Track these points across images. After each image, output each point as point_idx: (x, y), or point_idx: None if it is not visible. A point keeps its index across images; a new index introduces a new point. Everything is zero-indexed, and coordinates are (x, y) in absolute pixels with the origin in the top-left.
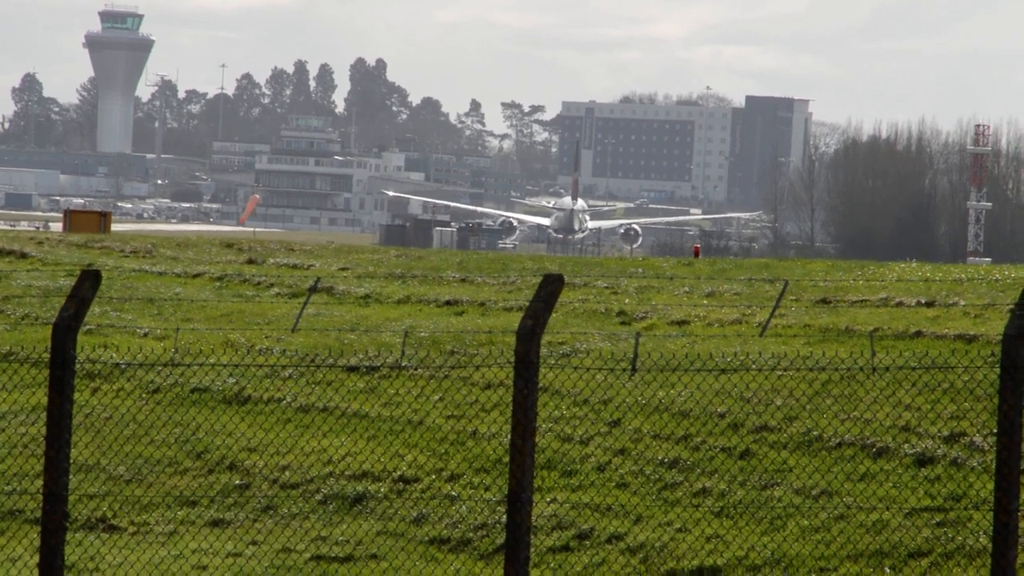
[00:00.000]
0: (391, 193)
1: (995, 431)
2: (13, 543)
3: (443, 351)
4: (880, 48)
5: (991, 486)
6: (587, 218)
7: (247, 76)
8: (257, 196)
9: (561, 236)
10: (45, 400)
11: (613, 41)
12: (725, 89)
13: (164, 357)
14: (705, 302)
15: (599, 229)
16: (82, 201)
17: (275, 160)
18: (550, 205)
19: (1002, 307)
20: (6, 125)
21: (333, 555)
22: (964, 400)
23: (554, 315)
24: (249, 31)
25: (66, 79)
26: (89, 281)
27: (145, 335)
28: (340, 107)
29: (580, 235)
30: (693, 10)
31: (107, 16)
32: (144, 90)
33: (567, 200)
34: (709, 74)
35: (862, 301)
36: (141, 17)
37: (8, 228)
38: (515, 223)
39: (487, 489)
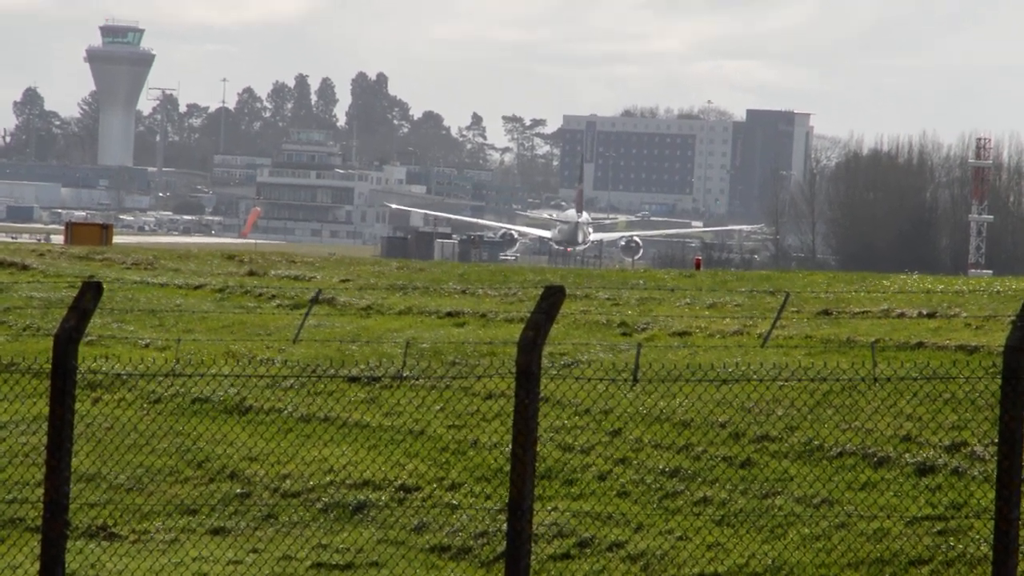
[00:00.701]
0: (394, 206)
1: (996, 441)
2: (14, 551)
3: (444, 362)
4: (880, 62)
5: (992, 495)
6: (591, 230)
7: (248, 90)
8: (258, 209)
9: (564, 248)
10: (47, 410)
11: (611, 56)
12: (725, 103)
13: (165, 368)
14: (706, 313)
15: (600, 241)
16: (83, 214)
17: (276, 173)
18: (554, 217)
19: (1003, 319)
20: (7, 139)
21: (334, 563)
22: (965, 410)
23: (555, 326)
24: (247, 46)
25: (67, 93)
26: (91, 292)
27: (146, 346)
28: (341, 121)
29: (582, 247)
30: (691, 24)
31: (108, 31)
32: (145, 104)
33: (571, 212)
34: (708, 88)
35: (863, 312)
36: (142, 32)
37: (10, 240)
38: (516, 235)
39: (488, 498)
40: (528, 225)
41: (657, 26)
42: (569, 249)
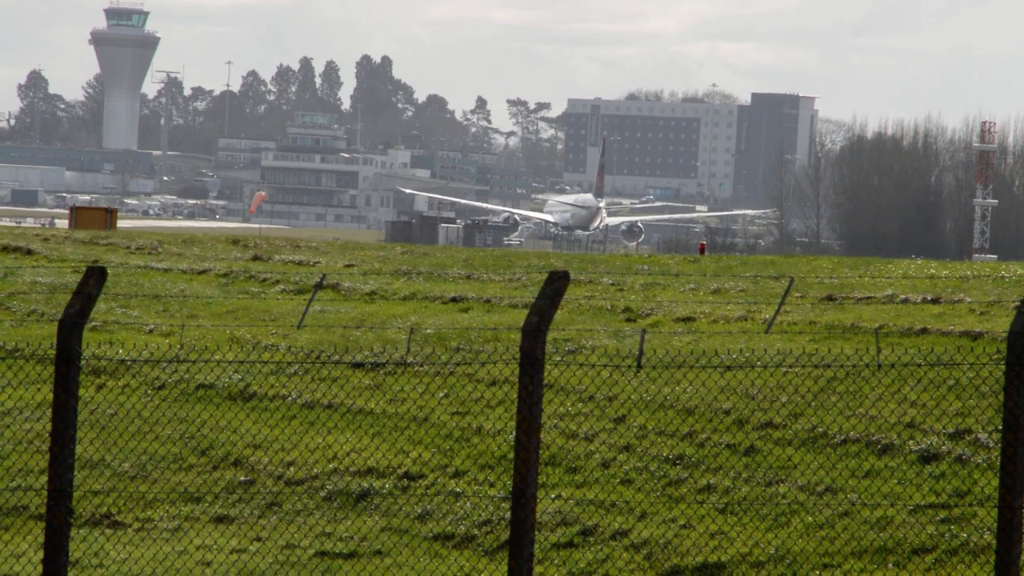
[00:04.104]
0: (407, 191)
1: (1000, 428)
2: (18, 539)
3: (448, 348)
4: (879, 43)
5: (996, 483)
6: (605, 215)
7: (253, 73)
8: (263, 192)
9: (578, 232)
10: (51, 396)
11: (606, 37)
12: (726, 86)
13: (169, 354)
14: (711, 299)
15: (606, 226)
16: (88, 198)
17: (281, 157)
18: (570, 202)
19: (1008, 304)
20: (12, 122)
21: (337, 551)
22: (969, 397)
23: (560, 312)
24: (248, 28)
25: (72, 76)
26: (95, 278)
27: (150, 331)
28: (346, 104)
29: (591, 232)
30: (687, 4)
31: (113, 13)
32: (150, 87)
33: (586, 197)
34: (705, 70)
35: (868, 298)
36: (147, 14)
37: (14, 225)
38: (519, 219)
39: (492, 485)
40: (537, 209)
41: (650, 7)
42: (583, 233)
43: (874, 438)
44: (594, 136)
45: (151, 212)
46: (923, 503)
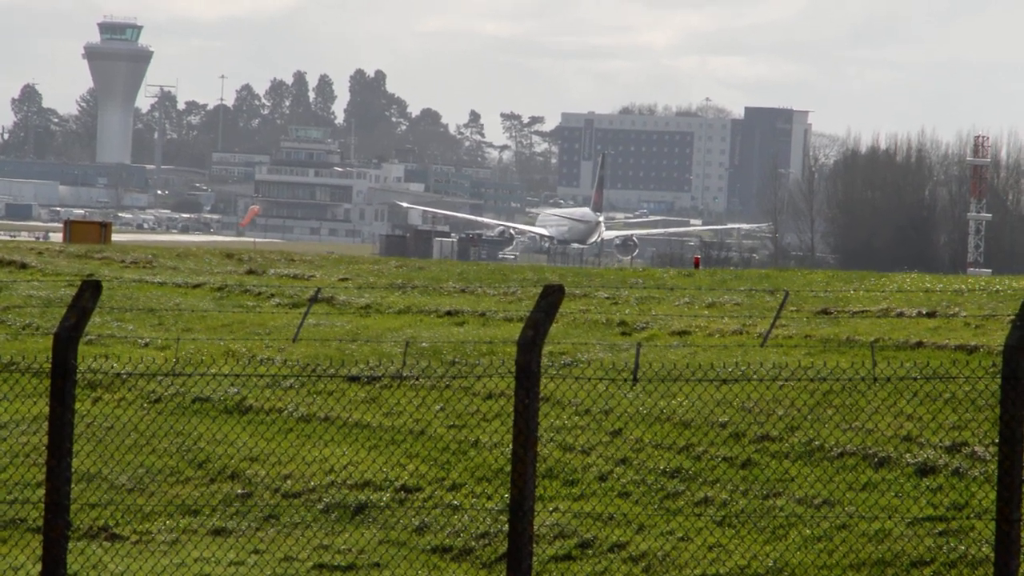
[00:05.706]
0: (404, 204)
1: (997, 441)
2: (16, 552)
3: (444, 361)
4: (872, 56)
5: (993, 496)
6: (603, 229)
7: (247, 87)
8: (257, 207)
9: (573, 246)
10: (47, 410)
11: (597, 50)
12: (720, 100)
13: (165, 367)
14: (706, 312)
15: (601, 240)
16: (82, 212)
17: (275, 171)
18: (565, 214)
19: (1002, 318)
20: (6, 136)
21: (335, 564)
22: (965, 410)
23: (555, 326)
24: (241, 42)
25: (66, 90)
26: (90, 291)
27: (146, 345)
28: (340, 118)
29: (587, 245)
30: (678, 19)
31: (106, 27)
32: (144, 101)
33: (584, 211)
34: (696, 84)
35: (863, 312)
36: (140, 28)
37: (8, 239)
38: (513, 233)
39: (489, 498)
40: (532, 223)
41: (640, 21)
42: (578, 246)
43: (871, 451)
44: (588, 150)
45: (145, 226)
46: (921, 516)
